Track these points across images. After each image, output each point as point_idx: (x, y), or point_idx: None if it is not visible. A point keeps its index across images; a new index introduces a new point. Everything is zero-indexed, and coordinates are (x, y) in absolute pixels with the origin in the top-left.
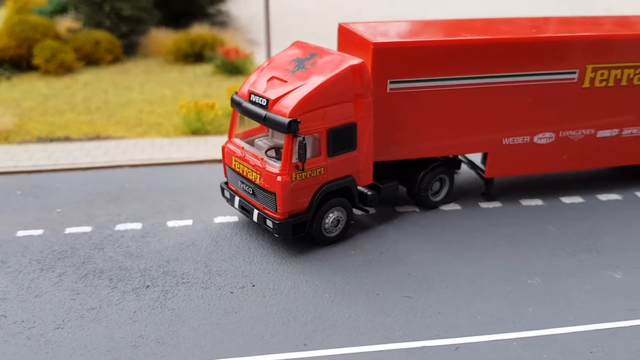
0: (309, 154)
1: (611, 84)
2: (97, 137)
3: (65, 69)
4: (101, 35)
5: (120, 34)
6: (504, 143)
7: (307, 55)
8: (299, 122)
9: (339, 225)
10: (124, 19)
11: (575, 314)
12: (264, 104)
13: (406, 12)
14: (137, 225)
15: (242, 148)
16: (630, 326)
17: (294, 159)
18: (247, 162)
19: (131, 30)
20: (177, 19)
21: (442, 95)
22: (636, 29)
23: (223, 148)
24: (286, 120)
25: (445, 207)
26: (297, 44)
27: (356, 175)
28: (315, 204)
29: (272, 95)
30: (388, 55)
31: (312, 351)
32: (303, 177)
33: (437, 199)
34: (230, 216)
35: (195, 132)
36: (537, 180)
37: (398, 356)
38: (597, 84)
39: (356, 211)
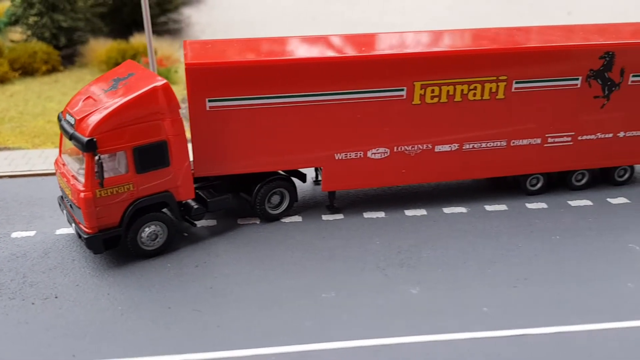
0: (120, 171)
1: (444, 100)
2: None
3: None
4: (38, 46)
5: (61, 45)
6: (336, 158)
7: (126, 74)
8: (96, 141)
9: (158, 239)
10: (63, 30)
11: (349, 329)
12: (73, 122)
13: (364, 18)
14: None
15: (64, 164)
16: (395, 344)
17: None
18: (65, 177)
19: (70, 40)
20: (129, 29)
21: (268, 112)
22: (473, 44)
23: (55, 163)
24: (84, 139)
25: (287, 220)
26: (127, 63)
27: (174, 191)
28: (126, 219)
29: (80, 114)
30: (203, 74)
31: None
32: (109, 194)
33: (278, 211)
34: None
35: None
36: (391, 192)
37: None
38: (428, 100)
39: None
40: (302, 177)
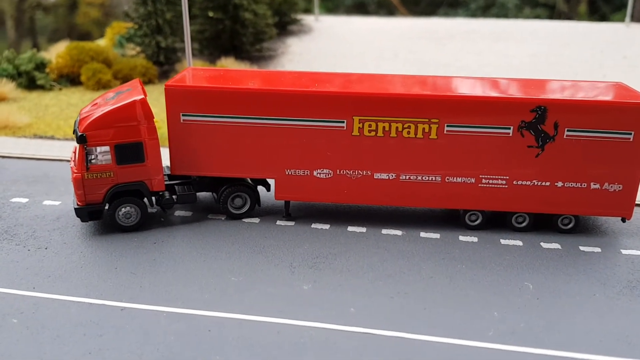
0: (104, 161)
1: (380, 134)
2: (52, 137)
3: (102, 86)
4: (139, 61)
5: (161, 61)
6: (286, 173)
7: (125, 89)
8: (86, 136)
9: (132, 218)
10: (162, 49)
11: (234, 305)
12: (77, 120)
13: (440, 59)
14: (24, 200)
15: (74, 152)
16: (253, 320)
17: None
18: (72, 161)
19: (168, 58)
20: (227, 52)
21: (228, 129)
22: (410, 89)
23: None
24: (78, 134)
25: (247, 220)
26: (134, 81)
27: (148, 182)
28: (107, 198)
29: (83, 115)
30: (177, 94)
31: None
32: (94, 177)
33: (240, 212)
34: None
35: None
36: (342, 209)
37: None
38: (366, 133)
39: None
40: (267, 186)
